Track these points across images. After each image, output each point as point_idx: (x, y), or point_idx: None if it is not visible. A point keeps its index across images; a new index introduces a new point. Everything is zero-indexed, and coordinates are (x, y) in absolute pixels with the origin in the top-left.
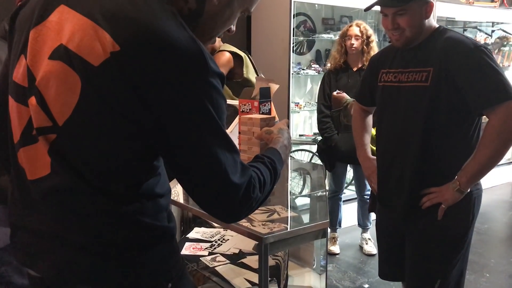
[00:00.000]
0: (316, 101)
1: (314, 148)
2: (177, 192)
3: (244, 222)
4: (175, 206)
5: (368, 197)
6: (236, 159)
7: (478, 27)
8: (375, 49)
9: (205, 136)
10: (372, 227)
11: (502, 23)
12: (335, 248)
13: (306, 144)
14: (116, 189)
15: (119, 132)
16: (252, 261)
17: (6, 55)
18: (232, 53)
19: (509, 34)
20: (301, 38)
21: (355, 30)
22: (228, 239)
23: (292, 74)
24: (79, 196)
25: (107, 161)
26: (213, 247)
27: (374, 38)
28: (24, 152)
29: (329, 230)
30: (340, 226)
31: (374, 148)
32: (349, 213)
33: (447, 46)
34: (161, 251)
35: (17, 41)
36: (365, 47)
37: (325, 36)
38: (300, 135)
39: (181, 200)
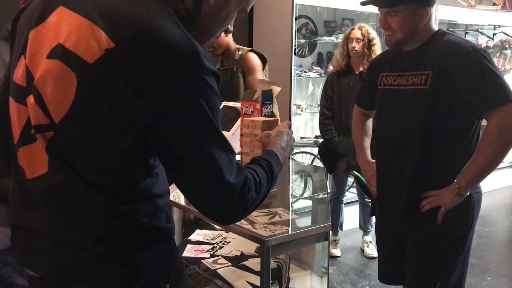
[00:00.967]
0: (318, 103)
1: (315, 150)
2: (179, 193)
3: (245, 225)
4: (177, 208)
5: (369, 200)
6: (232, 159)
7: (479, 30)
8: (377, 52)
9: (199, 134)
10: (373, 230)
11: (503, 26)
12: (336, 251)
13: (308, 146)
14: (112, 187)
15: (114, 129)
16: (254, 263)
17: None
18: (258, 54)
19: (511, 37)
20: (303, 41)
21: (356, 33)
22: (229, 242)
23: (294, 76)
24: (76, 194)
25: (102, 158)
26: (215, 250)
27: (377, 41)
28: (23, 151)
29: (330, 232)
30: (341, 228)
31: None
32: (350, 215)
33: (446, 49)
34: (159, 251)
35: (18, 43)
36: (366, 50)
37: (327, 38)
38: (301, 137)
39: (182, 202)
